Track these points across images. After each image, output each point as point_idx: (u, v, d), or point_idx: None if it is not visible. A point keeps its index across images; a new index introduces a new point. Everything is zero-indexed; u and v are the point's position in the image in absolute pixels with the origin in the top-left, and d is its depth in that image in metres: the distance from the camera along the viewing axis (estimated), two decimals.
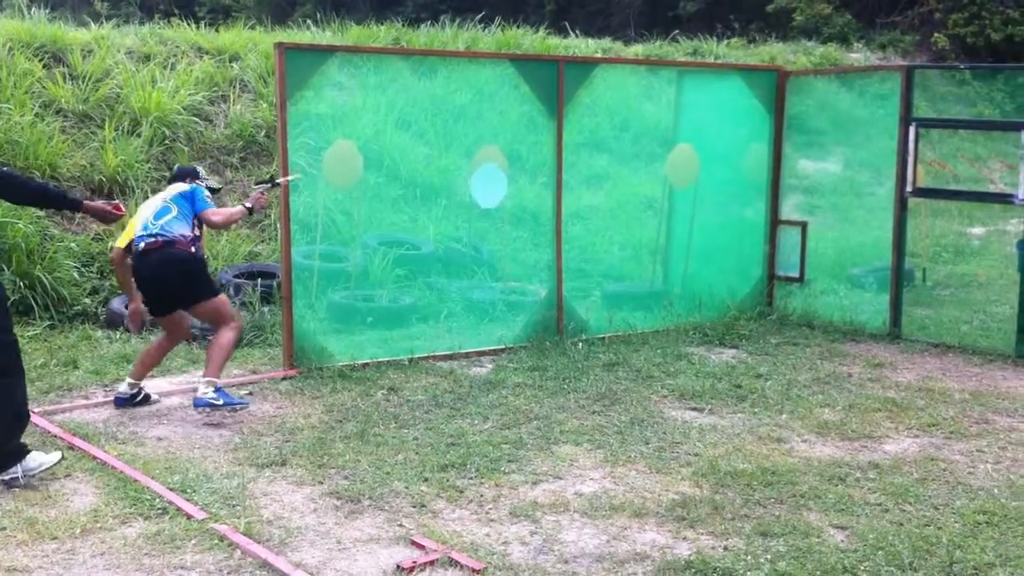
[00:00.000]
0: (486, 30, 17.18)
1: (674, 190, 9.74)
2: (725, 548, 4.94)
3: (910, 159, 9.02)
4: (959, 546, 5.01)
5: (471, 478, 5.77)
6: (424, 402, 7.17)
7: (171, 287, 6.75)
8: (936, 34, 21.94)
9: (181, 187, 6.97)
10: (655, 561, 4.80)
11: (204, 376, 6.76)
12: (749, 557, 4.83)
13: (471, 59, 10.61)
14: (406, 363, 8.12)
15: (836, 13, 23.27)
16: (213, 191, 7.25)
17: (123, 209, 6.20)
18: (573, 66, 9.04)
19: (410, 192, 11.27)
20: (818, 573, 4.69)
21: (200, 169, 7.41)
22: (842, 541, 5.07)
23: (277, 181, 7.45)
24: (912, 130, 9.02)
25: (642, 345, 8.66)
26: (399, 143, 11.82)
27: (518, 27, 17.47)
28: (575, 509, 5.41)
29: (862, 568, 4.75)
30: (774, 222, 9.94)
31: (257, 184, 7.88)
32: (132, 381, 7.00)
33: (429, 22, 18.47)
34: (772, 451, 6.32)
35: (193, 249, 6.76)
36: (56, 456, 5.71)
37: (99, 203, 6.28)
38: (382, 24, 16.50)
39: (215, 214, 6.91)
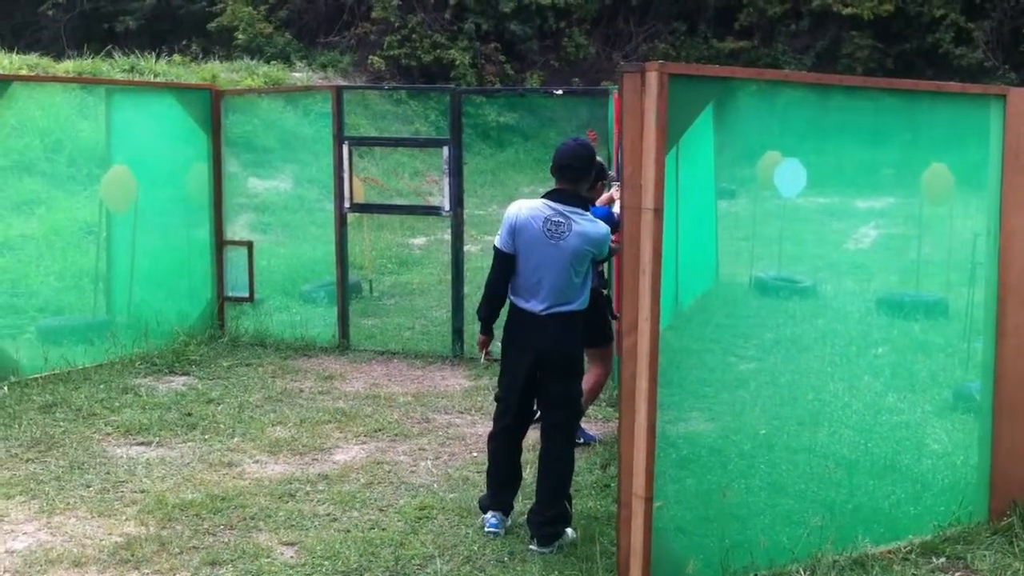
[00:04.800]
0: None
1: (113, 214, 9.26)
2: None
3: (346, 176, 9.37)
4: (401, 543, 5.28)
5: None
6: None
7: None
8: (372, 56, 23.12)
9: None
10: None
11: None
12: None
13: None
14: None
15: (277, 33, 23.66)
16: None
17: None
18: None
19: None
20: None
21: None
22: (291, 557, 5.12)
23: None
24: (346, 148, 9.37)
25: (84, 381, 8.11)
26: None
27: None
28: (7, 569, 4.95)
29: None
30: (220, 243, 9.82)
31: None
32: None
33: None
34: (223, 477, 6.21)
35: None
36: None
37: None
38: None
39: None
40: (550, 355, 5.26)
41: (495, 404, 5.57)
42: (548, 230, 5.15)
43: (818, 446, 5.42)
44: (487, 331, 5.53)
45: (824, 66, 22.92)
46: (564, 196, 5.24)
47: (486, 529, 5.41)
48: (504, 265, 5.27)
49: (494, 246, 5.34)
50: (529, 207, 5.24)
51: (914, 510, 5.35)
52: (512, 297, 5.33)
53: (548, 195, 5.28)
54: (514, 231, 5.21)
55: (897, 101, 5.51)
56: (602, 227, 5.28)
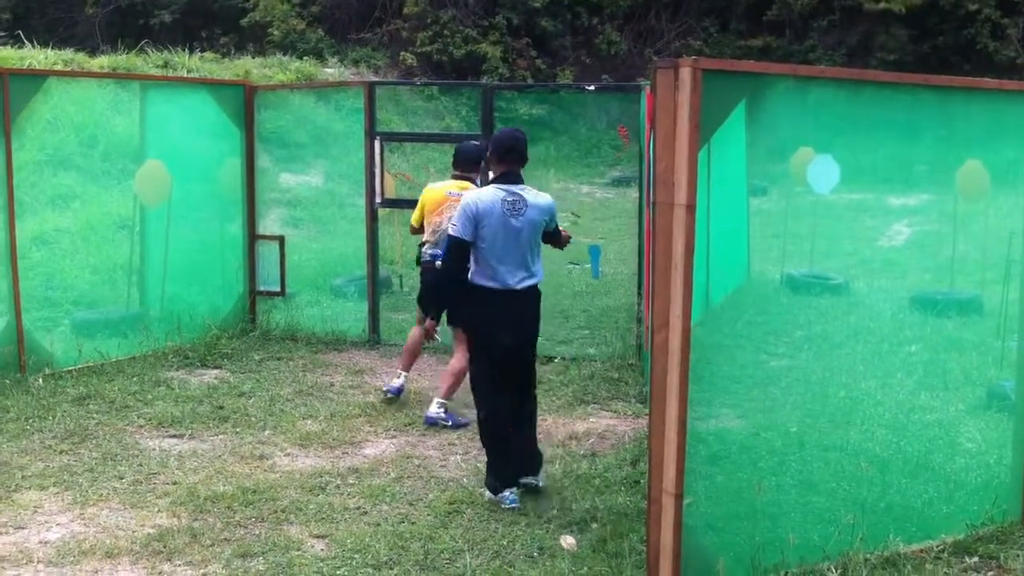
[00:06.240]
0: None
1: (146, 208, 9.33)
2: None
3: (377, 171, 9.40)
4: (431, 537, 5.30)
5: None
6: None
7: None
8: (404, 52, 23.16)
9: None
10: None
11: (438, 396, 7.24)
12: None
13: None
14: None
15: (310, 29, 23.76)
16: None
17: None
18: (20, 79, 8.33)
19: None
20: None
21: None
22: (322, 550, 5.14)
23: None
24: (377, 143, 9.40)
25: (117, 374, 8.19)
26: None
27: None
28: (40, 559, 5.00)
29: (340, 573, 4.86)
30: (252, 237, 9.88)
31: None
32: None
33: None
34: (254, 469, 6.26)
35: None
36: None
37: None
38: None
39: None
40: (526, 325, 5.84)
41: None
42: (507, 210, 5.62)
43: (850, 444, 5.38)
44: (439, 318, 6.18)
45: (856, 61, 22.72)
46: (512, 178, 5.75)
47: (509, 507, 5.71)
48: (462, 252, 5.66)
49: (449, 235, 5.70)
50: (485, 194, 5.72)
51: (946, 509, 5.30)
52: (481, 282, 5.70)
53: (496, 180, 5.79)
54: (476, 219, 5.59)
55: (932, 97, 5.45)
56: (548, 197, 5.90)
